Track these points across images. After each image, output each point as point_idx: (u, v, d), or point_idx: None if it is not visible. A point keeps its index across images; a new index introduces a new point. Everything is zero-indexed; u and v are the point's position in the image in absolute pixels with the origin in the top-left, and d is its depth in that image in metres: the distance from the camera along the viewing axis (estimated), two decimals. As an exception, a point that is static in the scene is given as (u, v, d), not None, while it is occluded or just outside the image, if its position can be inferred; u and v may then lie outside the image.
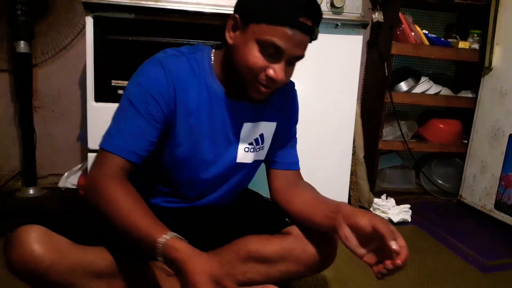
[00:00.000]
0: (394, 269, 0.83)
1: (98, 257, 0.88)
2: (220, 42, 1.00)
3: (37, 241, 0.81)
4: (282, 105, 1.09)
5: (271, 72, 0.87)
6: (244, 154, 1.05)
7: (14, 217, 1.69)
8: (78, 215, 0.99)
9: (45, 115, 2.06)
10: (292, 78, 1.50)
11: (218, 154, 1.02)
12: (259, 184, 1.23)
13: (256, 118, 1.04)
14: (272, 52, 0.86)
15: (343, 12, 1.57)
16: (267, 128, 1.07)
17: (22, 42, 1.80)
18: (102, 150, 0.88)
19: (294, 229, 1.04)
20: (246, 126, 1.03)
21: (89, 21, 1.43)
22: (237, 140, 1.03)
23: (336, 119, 1.68)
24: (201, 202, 1.08)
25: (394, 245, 0.82)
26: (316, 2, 0.90)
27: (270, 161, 1.13)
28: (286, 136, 1.13)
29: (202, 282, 0.72)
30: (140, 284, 0.95)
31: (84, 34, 1.49)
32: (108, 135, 0.89)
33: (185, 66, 0.94)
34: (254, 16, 0.86)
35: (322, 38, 1.56)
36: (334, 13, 1.57)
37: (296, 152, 1.16)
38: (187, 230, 1.06)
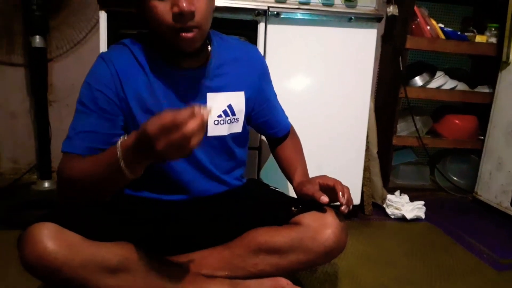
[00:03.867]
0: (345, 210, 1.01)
1: (111, 253, 0.88)
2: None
3: (50, 238, 0.82)
4: (246, 72, 1.11)
5: (175, 9, 0.87)
6: (214, 127, 1.07)
7: (30, 210, 1.72)
8: (91, 210, 1.00)
9: (60, 109, 2.09)
10: (306, 71, 1.51)
11: None
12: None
13: (219, 89, 1.06)
14: None
15: (357, 6, 1.55)
16: (235, 98, 1.09)
17: (37, 36, 1.82)
18: (63, 154, 0.95)
19: (302, 218, 1.04)
20: (210, 97, 1.05)
21: (103, 16, 1.44)
22: None
23: (349, 114, 1.66)
24: (198, 189, 1.10)
25: (341, 199, 1.01)
26: None
27: (267, 133, 1.26)
28: (265, 100, 1.18)
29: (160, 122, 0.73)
30: (155, 280, 0.95)
31: (98, 28, 1.50)
32: (67, 139, 0.95)
33: (127, 55, 1.00)
34: None
35: (336, 31, 1.57)
36: (348, 6, 1.55)
37: (283, 113, 1.29)
38: (194, 223, 1.08)
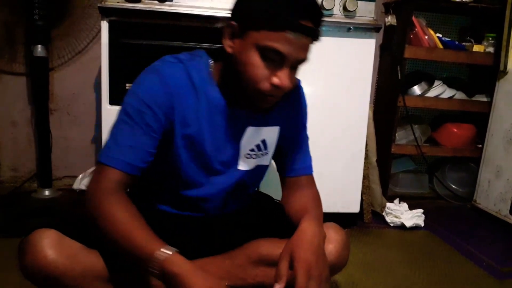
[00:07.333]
0: None
1: (111, 263, 0.88)
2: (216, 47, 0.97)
3: (50, 246, 0.81)
4: (286, 109, 1.06)
5: (276, 80, 0.84)
6: (245, 161, 1.03)
7: (30, 218, 1.73)
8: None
9: (60, 117, 2.10)
10: (305, 80, 1.50)
11: (220, 163, 1.01)
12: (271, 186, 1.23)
13: (258, 123, 1.02)
14: (274, 59, 0.84)
15: (355, 16, 1.58)
16: (270, 133, 1.05)
17: (39, 46, 1.83)
18: (100, 164, 0.87)
19: None
20: (248, 132, 1.01)
21: (104, 26, 1.46)
22: (238, 147, 1.01)
23: (348, 123, 1.68)
24: (208, 209, 1.07)
25: None
26: (316, 3, 0.87)
27: (282, 169, 1.11)
28: (294, 140, 1.10)
29: None
30: None
31: (99, 38, 1.52)
32: (106, 148, 0.88)
33: (182, 73, 0.92)
34: (253, 23, 0.83)
35: (335, 41, 1.59)
36: (347, 16, 1.57)
37: (309, 156, 1.13)
38: (197, 235, 1.07)
